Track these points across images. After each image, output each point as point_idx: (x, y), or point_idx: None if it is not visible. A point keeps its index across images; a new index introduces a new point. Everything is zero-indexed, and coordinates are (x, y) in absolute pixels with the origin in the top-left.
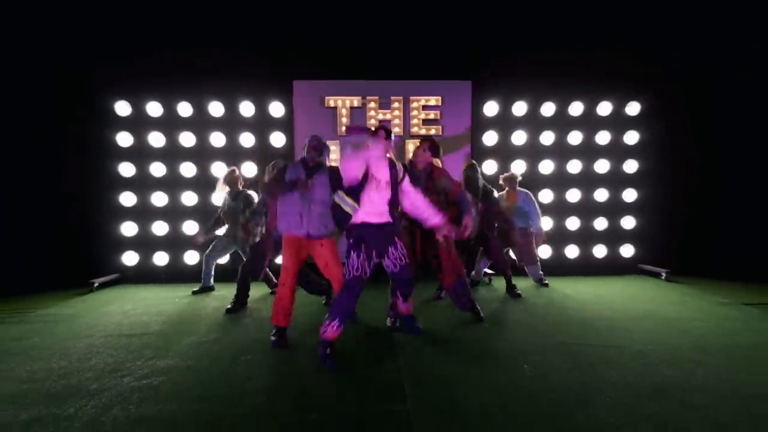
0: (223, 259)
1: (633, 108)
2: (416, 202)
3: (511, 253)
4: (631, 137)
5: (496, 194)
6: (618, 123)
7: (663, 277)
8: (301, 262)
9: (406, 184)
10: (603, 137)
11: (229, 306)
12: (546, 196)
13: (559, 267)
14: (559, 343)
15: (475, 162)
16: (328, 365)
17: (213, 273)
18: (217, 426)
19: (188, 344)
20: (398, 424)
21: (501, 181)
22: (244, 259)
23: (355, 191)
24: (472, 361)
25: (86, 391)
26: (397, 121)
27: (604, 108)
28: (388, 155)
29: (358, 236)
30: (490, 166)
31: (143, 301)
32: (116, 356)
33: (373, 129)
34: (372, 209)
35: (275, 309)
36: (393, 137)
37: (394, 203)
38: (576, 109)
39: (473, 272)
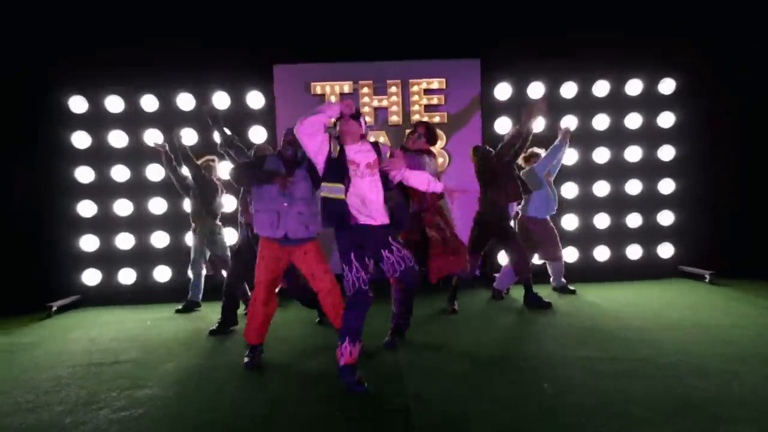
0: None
1: (667, 86)
2: (411, 179)
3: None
4: (666, 119)
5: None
6: (650, 104)
7: (707, 280)
8: (278, 276)
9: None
10: (634, 120)
11: (213, 327)
12: (570, 190)
13: (587, 271)
14: (581, 356)
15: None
16: (357, 390)
17: (202, 286)
18: None
19: (168, 371)
20: None
21: (521, 162)
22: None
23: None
24: (483, 378)
25: (60, 426)
26: (395, 108)
27: (634, 87)
28: (365, 136)
29: (346, 244)
30: None
31: (111, 325)
32: (88, 388)
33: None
34: (359, 203)
35: (247, 324)
36: (362, 120)
37: (385, 192)
38: (601, 89)
39: (495, 282)
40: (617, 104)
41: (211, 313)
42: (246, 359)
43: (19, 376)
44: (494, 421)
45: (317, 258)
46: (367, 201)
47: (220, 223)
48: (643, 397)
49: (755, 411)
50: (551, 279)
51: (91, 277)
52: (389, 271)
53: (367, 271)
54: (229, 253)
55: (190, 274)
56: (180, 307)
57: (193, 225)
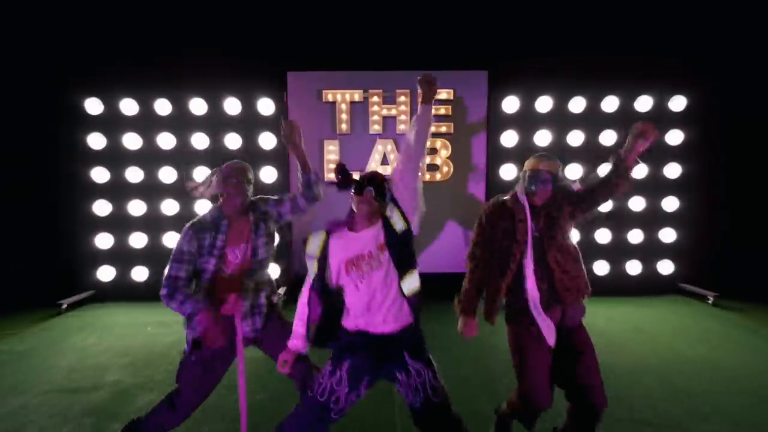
0: None
1: (677, 103)
2: None
3: None
4: (675, 137)
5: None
6: (660, 120)
7: (710, 302)
8: None
9: None
10: None
11: None
12: None
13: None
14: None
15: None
16: None
17: None
18: None
19: (145, 404)
20: None
21: None
22: None
23: None
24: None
25: None
26: (403, 117)
27: (644, 103)
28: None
29: None
30: (507, 171)
31: (113, 329)
32: (47, 424)
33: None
34: None
35: None
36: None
37: None
38: (610, 104)
39: None
40: (625, 120)
41: None
42: None
43: None
44: None
45: None
46: None
47: None
48: None
49: None
50: None
51: (105, 273)
52: None
53: None
54: None
55: None
56: None
57: None
